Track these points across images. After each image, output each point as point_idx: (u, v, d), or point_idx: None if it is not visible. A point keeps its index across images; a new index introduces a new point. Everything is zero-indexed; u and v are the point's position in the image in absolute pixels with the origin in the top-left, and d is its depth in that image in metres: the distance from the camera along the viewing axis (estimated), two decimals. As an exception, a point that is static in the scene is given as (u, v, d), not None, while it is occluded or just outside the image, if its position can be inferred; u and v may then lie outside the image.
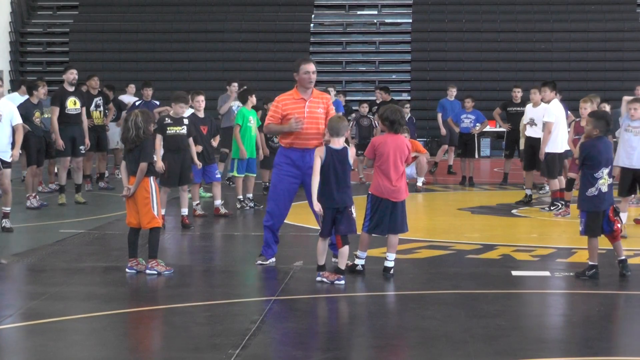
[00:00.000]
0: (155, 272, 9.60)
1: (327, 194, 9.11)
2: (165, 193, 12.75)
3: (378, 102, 21.05)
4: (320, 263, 9.24)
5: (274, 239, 10.04)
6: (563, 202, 14.26)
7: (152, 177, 9.70)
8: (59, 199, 15.28)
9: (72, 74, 15.32)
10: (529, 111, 15.93)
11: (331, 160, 9.09)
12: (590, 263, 9.46)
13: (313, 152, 9.38)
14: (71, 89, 15.32)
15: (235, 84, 17.49)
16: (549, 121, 14.29)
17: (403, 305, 8.58)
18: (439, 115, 20.53)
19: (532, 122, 15.74)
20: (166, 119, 12.75)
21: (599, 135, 9.47)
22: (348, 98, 23.23)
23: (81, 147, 15.44)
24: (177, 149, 12.68)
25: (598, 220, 9.40)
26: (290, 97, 9.93)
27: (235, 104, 17.12)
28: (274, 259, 10.06)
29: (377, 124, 20.23)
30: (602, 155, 9.42)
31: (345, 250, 9.19)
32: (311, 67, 9.86)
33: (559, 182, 14.48)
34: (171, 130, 12.63)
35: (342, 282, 9.10)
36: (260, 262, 10.00)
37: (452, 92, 20.61)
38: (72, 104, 15.24)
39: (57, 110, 15.14)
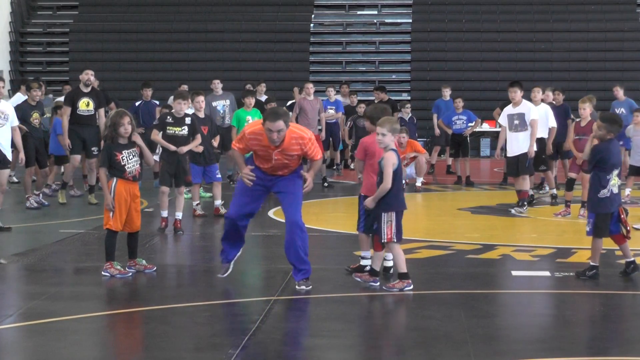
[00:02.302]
0: (108, 275, 9.50)
1: (400, 198, 8.98)
2: (164, 194, 12.49)
3: (376, 102, 21.07)
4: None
5: (232, 244, 9.23)
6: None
7: (115, 179, 9.53)
8: (59, 197, 15.25)
9: (86, 75, 15.27)
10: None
11: (399, 163, 8.99)
12: (592, 263, 9.45)
13: (283, 179, 8.92)
14: (86, 89, 15.25)
15: (217, 81, 17.44)
16: (535, 119, 14.40)
17: (403, 305, 8.58)
18: (435, 116, 20.52)
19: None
20: (168, 117, 12.54)
21: (612, 138, 9.47)
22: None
23: (94, 149, 15.40)
24: (174, 150, 12.44)
25: (607, 221, 9.38)
26: (260, 137, 8.71)
27: (220, 103, 17.08)
28: (231, 266, 9.32)
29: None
30: (614, 158, 9.43)
31: (382, 253, 9.18)
32: (276, 125, 8.51)
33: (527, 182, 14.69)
34: (170, 130, 12.44)
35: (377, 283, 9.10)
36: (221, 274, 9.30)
37: (447, 92, 20.58)
38: (85, 105, 15.19)
39: (68, 110, 15.08)
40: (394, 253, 8.95)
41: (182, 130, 12.51)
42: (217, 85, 17.50)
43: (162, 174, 12.53)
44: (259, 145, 8.72)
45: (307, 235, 8.92)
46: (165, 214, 12.50)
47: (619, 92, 18.71)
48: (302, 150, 8.73)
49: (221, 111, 16.89)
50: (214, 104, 17.07)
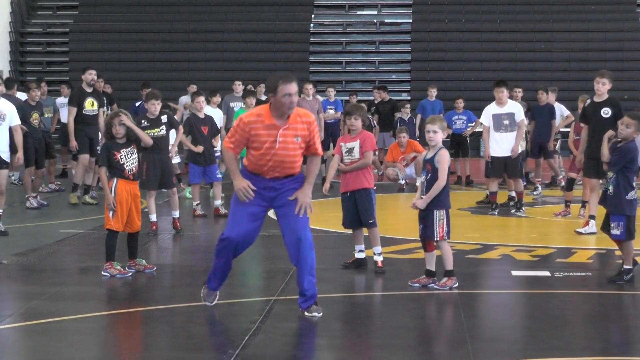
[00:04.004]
0: (108, 275, 9.51)
1: (449, 196, 9.03)
2: (152, 197, 12.28)
3: (376, 102, 21.14)
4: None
5: (225, 272, 7.96)
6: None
7: (116, 179, 9.54)
8: (70, 199, 15.14)
9: (90, 75, 15.24)
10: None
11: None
12: (626, 267, 9.28)
13: (283, 182, 7.73)
14: (89, 89, 15.26)
15: (238, 83, 17.51)
16: (523, 119, 14.39)
17: (403, 305, 8.57)
18: (419, 117, 20.44)
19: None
20: (142, 121, 12.08)
21: (635, 137, 9.40)
22: (346, 98, 23.16)
23: (98, 148, 15.39)
24: (156, 150, 11.98)
25: (634, 222, 9.29)
26: (260, 120, 7.61)
27: (238, 104, 17.13)
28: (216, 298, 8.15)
29: (375, 124, 20.30)
30: (639, 158, 9.40)
31: (435, 253, 9.11)
32: (293, 87, 7.49)
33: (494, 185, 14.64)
34: (150, 133, 11.77)
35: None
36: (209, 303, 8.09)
37: (433, 92, 20.60)
38: (90, 105, 15.20)
39: (74, 110, 15.06)
40: (444, 251, 8.93)
41: (160, 130, 12.26)
42: (238, 86, 17.58)
43: (146, 177, 12.19)
44: (261, 129, 7.56)
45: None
46: (154, 217, 12.34)
47: (543, 96, 17.69)
48: (308, 131, 7.66)
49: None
50: (231, 104, 17.15)
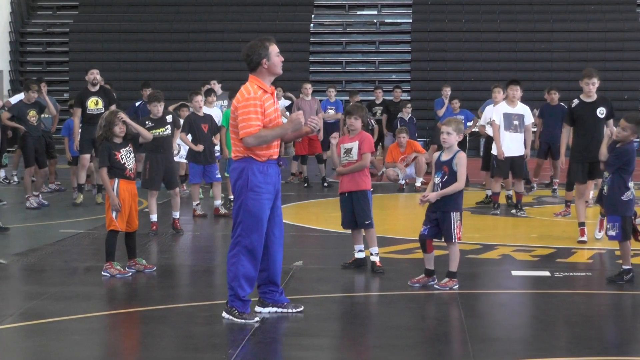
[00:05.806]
0: (108, 275, 9.51)
1: (463, 198, 9.06)
2: (153, 197, 12.26)
3: (378, 102, 21.23)
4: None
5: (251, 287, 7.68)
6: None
7: (117, 179, 9.54)
8: (76, 199, 15.13)
9: (92, 74, 15.28)
10: (489, 112, 15.81)
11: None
12: (625, 267, 9.29)
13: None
14: (94, 89, 15.28)
15: (214, 82, 17.56)
16: (533, 121, 14.44)
17: (403, 305, 8.57)
18: (439, 112, 20.48)
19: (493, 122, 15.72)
20: (147, 122, 12.00)
21: (633, 139, 9.40)
22: (346, 98, 23.15)
23: None
24: (160, 150, 12.12)
25: (631, 223, 9.28)
26: (263, 90, 7.50)
27: (219, 103, 17.10)
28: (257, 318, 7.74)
29: (373, 124, 20.32)
30: (635, 159, 9.40)
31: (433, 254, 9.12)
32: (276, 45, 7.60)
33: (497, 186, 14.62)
34: (154, 133, 11.81)
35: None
36: (256, 319, 7.67)
37: (447, 91, 20.62)
38: (94, 104, 15.20)
39: (78, 111, 15.11)
40: (453, 252, 8.96)
41: (165, 130, 12.21)
42: (215, 85, 17.54)
43: (149, 177, 12.24)
44: (269, 99, 7.51)
45: None
46: (154, 217, 12.32)
47: (555, 96, 17.34)
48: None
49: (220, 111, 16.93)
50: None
